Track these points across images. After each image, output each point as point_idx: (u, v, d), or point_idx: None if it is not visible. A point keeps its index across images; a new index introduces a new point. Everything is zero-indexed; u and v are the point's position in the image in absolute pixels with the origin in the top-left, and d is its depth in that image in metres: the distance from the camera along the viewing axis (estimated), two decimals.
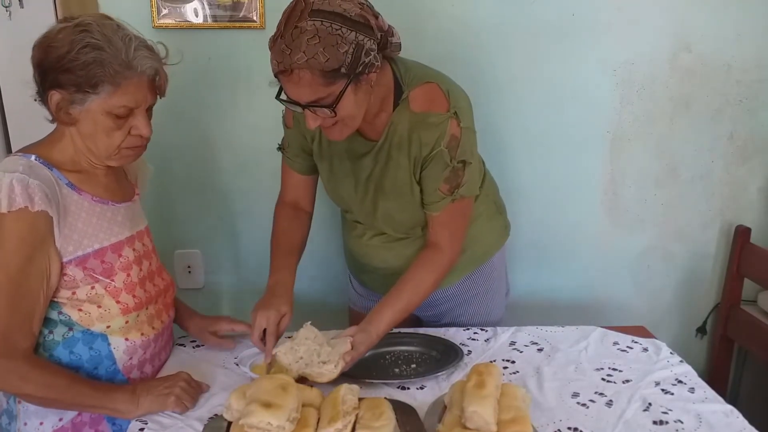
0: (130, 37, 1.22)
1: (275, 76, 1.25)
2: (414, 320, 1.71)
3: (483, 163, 1.64)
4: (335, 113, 1.25)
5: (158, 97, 1.29)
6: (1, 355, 1.16)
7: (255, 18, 1.87)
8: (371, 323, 1.38)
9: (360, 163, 1.47)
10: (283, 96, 1.28)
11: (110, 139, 1.24)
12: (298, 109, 1.28)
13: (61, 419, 1.28)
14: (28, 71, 1.22)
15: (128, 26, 1.24)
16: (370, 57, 1.23)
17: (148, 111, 1.28)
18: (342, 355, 1.28)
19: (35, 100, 1.25)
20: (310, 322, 1.37)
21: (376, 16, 1.28)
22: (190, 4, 1.86)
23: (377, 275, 1.66)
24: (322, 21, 1.18)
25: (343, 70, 1.20)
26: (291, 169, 1.58)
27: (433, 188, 1.43)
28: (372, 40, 1.24)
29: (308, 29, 1.17)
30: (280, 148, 1.58)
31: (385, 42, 1.30)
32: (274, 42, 1.22)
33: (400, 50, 1.37)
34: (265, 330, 1.38)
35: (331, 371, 1.27)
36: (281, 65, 1.20)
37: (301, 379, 1.30)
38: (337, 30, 1.18)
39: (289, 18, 1.20)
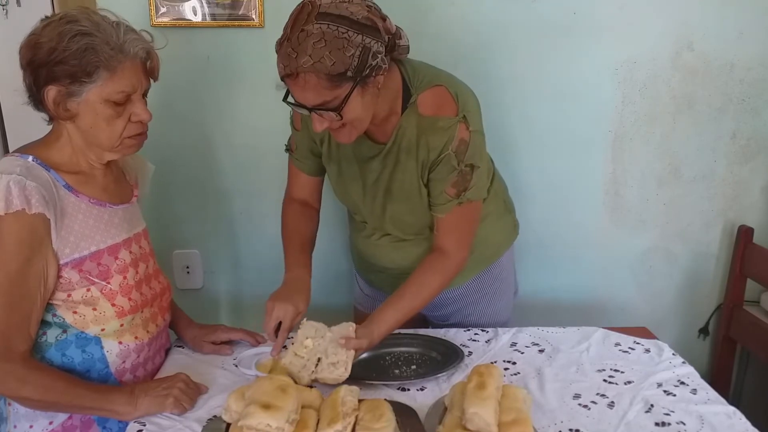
0: (118, 22, 1.21)
1: (281, 80, 1.25)
2: (421, 320, 1.71)
3: (492, 161, 1.63)
4: (341, 117, 1.25)
5: (151, 81, 1.28)
6: None
7: (254, 17, 1.87)
8: (373, 322, 1.37)
9: (368, 166, 1.47)
10: (290, 99, 1.27)
11: (112, 128, 1.23)
12: (305, 112, 1.27)
13: (51, 422, 1.28)
14: None
15: (111, 13, 1.23)
16: (377, 60, 1.23)
17: (144, 97, 1.27)
18: (347, 341, 1.29)
19: (28, 104, 1.24)
20: (305, 319, 1.37)
21: (384, 18, 1.27)
22: (189, 2, 1.85)
23: (385, 275, 1.65)
24: (328, 24, 1.17)
25: (349, 73, 1.19)
26: (299, 170, 1.58)
27: (439, 191, 1.42)
28: (379, 43, 1.23)
29: (314, 33, 1.17)
30: (288, 149, 1.58)
31: (393, 45, 1.30)
32: (280, 45, 1.22)
33: (407, 53, 1.37)
34: (279, 323, 1.38)
35: (342, 375, 1.27)
36: (287, 69, 1.20)
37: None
38: (343, 33, 1.18)
39: (295, 21, 1.20)
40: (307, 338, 1.32)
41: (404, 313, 1.41)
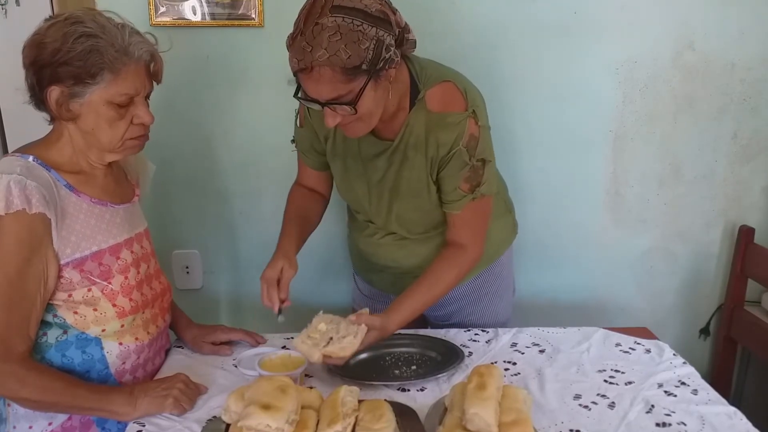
0: (123, 24, 1.21)
1: (294, 75, 1.24)
2: (421, 320, 1.70)
3: None
4: (356, 110, 1.24)
5: (154, 83, 1.28)
6: None
7: (254, 16, 1.86)
8: (390, 311, 1.39)
9: (373, 163, 1.46)
10: (301, 94, 1.27)
11: (113, 130, 1.23)
12: (318, 107, 1.26)
13: (50, 423, 1.27)
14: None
15: (116, 15, 1.23)
16: (390, 53, 1.23)
17: (146, 99, 1.27)
18: (358, 316, 1.29)
19: (30, 103, 1.23)
20: (322, 311, 1.37)
21: (395, 11, 1.27)
22: (188, 1, 1.85)
23: (387, 274, 1.65)
24: (343, 17, 1.17)
25: (364, 66, 1.19)
26: (305, 164, 1.59)
27: (452, 187, 1.42)
28: (392, 36, 1.23)
29: (329, 26, 1.16)
30: (294, 141, 1.58)
31: (402, 38, 1.29)
32: (293, 40, 1.21)
33: (415, 47, 1.36)
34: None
35: (351, 342, 1.27)
36: (301, 63, 1.19)
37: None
38: (358, 26, 1.17)
39: (308, 15, 1.19)
40: (321, 323, 1.33)
41: (421, 303, 1.43)
